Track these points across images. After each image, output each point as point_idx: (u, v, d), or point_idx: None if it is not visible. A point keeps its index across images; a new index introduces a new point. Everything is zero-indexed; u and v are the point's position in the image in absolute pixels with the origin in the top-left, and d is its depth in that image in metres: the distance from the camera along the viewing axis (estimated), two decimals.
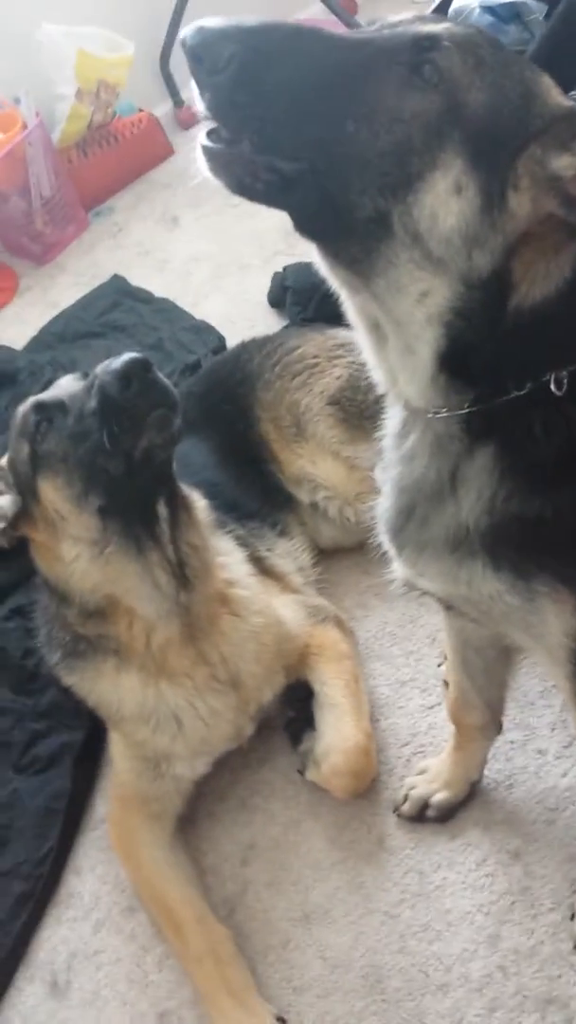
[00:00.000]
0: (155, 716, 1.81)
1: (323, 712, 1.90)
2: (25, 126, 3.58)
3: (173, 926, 1.78)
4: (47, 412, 1.64)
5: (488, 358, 1.05)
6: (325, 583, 2.24)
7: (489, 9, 1.80)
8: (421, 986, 1.62)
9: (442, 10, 1.89)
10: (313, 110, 0.94)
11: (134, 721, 1.83)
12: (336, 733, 1.84)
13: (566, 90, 1.63)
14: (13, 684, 2.30)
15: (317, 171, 0.96)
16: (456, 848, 1.76)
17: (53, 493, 1.64)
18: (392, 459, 1.24)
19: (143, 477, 1.62)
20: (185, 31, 0.93)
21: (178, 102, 4.29)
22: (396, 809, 1.83)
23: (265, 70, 0.92)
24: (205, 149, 0.99)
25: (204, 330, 3.12)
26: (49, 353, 3.28)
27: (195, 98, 0.96)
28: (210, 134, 0.98)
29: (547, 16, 1.76)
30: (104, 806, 2.06)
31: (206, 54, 0.92)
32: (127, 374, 1.53)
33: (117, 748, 1.94)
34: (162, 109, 4.26)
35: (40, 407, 1.66)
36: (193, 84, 0.95)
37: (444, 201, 0.95)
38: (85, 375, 1.71)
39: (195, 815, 1.96)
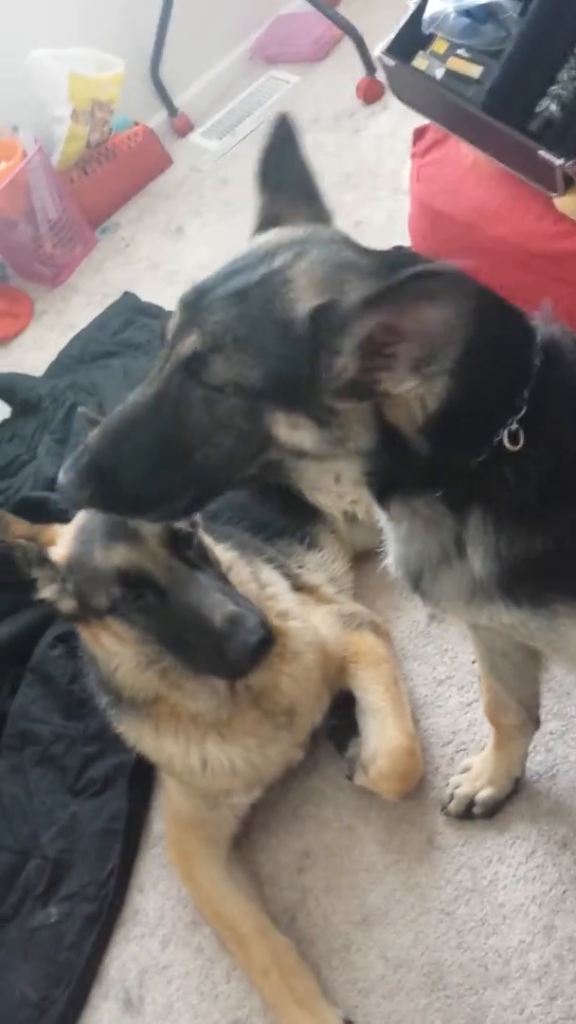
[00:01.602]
0: (208, 770, 1.84)
1: (366, 717, 1.93)
2: (25, 154, 3.63)
3: (237, 941, 1.83)
4: (139, 589, 1.60)
5: (429, 465, 1.10)
6: (356, 587, 2.27)
7: (465, 12, 1.80)
8: (482, 980, 1.66)
9: (417, 16, 1.90)
10: (170, 468, 1.11)
11: (186, 774, 1.87)
12: (380, 737, 1.88)
13: (547, 84, 1.64)
14: (62, 710, 2.36)
15: (207, 490, 1.18)
16: (505, 842, 1.79)
17: (122, 630, 1.65)
18: (391, 539, 1.30)
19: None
20: (58, 487, 1.16)
21: (172, 111, 4.31)
22: (443, 808, 1.86)
23: (118, 481, 1.12)
24: None
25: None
26: (69, 377, 3.32)
27: None
28: None
29: (522, 13, 1.77)
30: (160, 823, 2.12)
31: (76, 504, 1.20)
32: (257, 658, 1.60)
33: (170, 782, 1.99)
34: (157, 119, 4.29)
35: (132, 581, 1.60)
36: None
37: (293, 437, 1.06)
38: (175, 535, 1.63)
39: (249, 828, 2.01)
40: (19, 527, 1.72)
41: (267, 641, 1.60)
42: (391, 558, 1.32)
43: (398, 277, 0.93)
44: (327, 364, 1.02)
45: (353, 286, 1.02)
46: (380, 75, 3.67)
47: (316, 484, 1.16)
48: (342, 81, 3.92)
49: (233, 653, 1.58)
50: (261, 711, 1.85)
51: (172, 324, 1.11)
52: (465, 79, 1.85)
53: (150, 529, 1.61)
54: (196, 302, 1.08)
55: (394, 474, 1.12)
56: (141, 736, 1.87)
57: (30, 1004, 1.97)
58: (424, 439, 1.07)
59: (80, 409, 1.98)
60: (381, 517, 1.28)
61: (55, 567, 1.67)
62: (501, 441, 1.08)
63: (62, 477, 1.14)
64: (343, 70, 3.96)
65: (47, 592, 1.68)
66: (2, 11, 3.68)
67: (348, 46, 3.93)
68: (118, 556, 1.60)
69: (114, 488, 1.12)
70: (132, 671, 1.71)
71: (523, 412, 1.07)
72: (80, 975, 1.98)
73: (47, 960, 2.02)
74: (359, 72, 3.75)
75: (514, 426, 1.07)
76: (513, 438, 1.08)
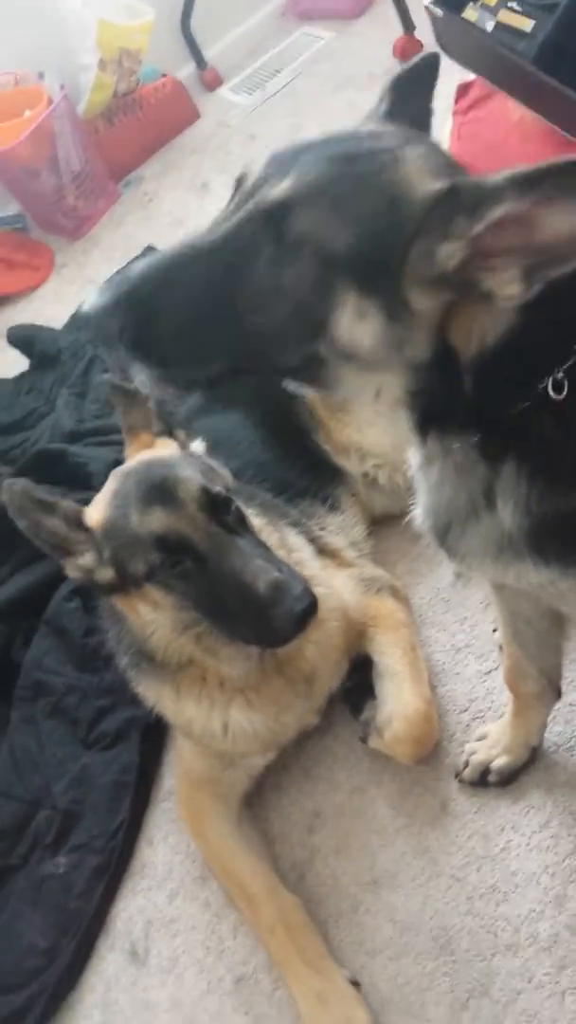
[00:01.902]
0: (229, 734, 1.83)
1: (383, 681, 1.92)
2: (50, 101, 3.58)
3: (245, 898, 1.84)
4: (178, 555, 1.58)
5: (466, 408, 1.06)
6: (376, 552, 2.26)
7: None
8: (490, 946, 1.66)
9: None
10: (212, 326, 1.01)
11: (206, 738, 1.86)
12: (397, 701, 1.87)
13: None
14: (76, 662, 2.36)
15: (242, 365, 1.05)
16: (519, 811, 1.78)
17: (160, 597, 1.62)
18: (421, 486, 1.26)
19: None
20: (81, 312, 1.01)
21: (201, 64, 4.24)
22: (457, 775, 1.85)
23: (155, 323, 1.00)
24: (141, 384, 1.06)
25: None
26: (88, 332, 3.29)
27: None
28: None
29: None
30: (171, 778, 2.12)
31: (100, 337, 1.01)
32: (303, 622, 1.58)
33: (184, 742, 1.98)
34: (185, 72, 4.22)
35: (171, 547, 1.58)
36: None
37: (355, 329, 0.99)
38: (210, 500, 1.61)
39: (261, 787, 2.00)
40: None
41: (313, 608, 1.58)
42: (420, 509, 1.28)
43: (553, 162, 0.87)
44: (431, 249, 0.95)
45: (469, 180, 0.96)
46: (419, 33, 3.60)
47: (354, 395, 1.08)
48: (378, 39, 3.84)
49: (279, 621, 1.56)
50: (285, 678, 1.84)
51: (254, 173, 1.03)
52: (516, 32, 1.80)
53: (188, 494, 1.59)
54: (293, 156, 1.00)
55: (437, 403, 1.07)
56: (161, 698, 1.86)
57: (38, 952, 1.99)
58: (472, 374, 1.03)
59: (106, 376, 1.95)
60: (413, 463, 1.25)
61: (92, 532, 1.65)
62: (546, 389, 1.04)
63: (91, 300, 1.00)
64: (379, 28, 3.88)
65: (86, 559, 1.65)
66: None
67: (384, 4, 3.86)
68: (156, 521, 1.58)
69: (148, 327, 1.00)
70: (167, 636, 1.70)
71: (571, 362, 1.04)
72: (87, 925, 1.99)
73: (56, 909, 2.03)
74: (396, 30, 3.67)
75: (560, 375, 1.03)
76: (558, 388, 1.04)
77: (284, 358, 1.02)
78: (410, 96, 1.16)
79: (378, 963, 1.72)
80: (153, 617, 1.67)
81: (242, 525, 1.67)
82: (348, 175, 0.96)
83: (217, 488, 1.63)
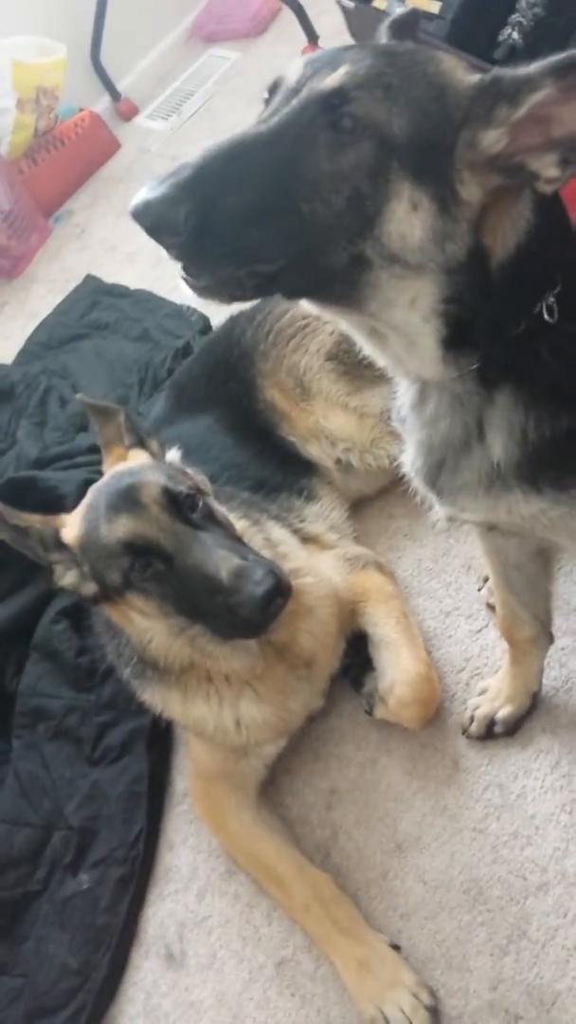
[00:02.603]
0: (242, 729, 1.86)
1: (380, 651, 1.96)
2: None
3: (275, 882, 1.85)
4: (147, 557, 1.60)
5: (486, 319, 1.10)
6: (356, 533, 2.30)
7: None
8: (521, 890, 1.70)
9: None
10: (270, 216, 1.00)
11: (218, 735, 1.88)
12: (396, 667, 1.91)
13: (507, 12, 1.66)
14: (71, 683, 2.35)
15: (294, 261, 1.03)
16: (529, 757, 1.83)
17: (142, 605, 1.65)
18: (415, 424, 1.29)
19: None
20: (133, 206, 0.98)
21: (115, 96, 4.31)
22: (464, 731, 1.90)
23: (217, 211, 0.97)
24: (190, 285, 1.04)
25: (187, 313, 3.16)
26: (39, 363, 3.32)
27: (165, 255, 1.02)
28: (185, 269, 1.03)
29: None
30: (183, 781, 2.13)
31: (162, 225, 0.97)
32: (267, 606, 1.57)
33: (195, 742, 2.00)
34: (101, 105, 4.28)
35: (139, 551, 1.60)
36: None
37: (406, 222, 1.01)
38: (172, 499, 1.63)
39: (273, 774, 2.02)
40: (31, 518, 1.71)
41: (277, 590, 1.57)
42: (410, 450, 1.32)
43: None
44: (477, 135, 1.00)
45: (508, 71, 1.00)
46: (323, 42, 3.70)
47: (389, 304, 1.08)
48: (283, 53, 3.95)
49: (244, 608, 1.56)
50: (286, 665, 1.87)
51: (292, 75, 1.04)
52: (426, 16, 1.87)
53: (150, 496, 1.63)
54: (336, 55, 1.02)
55: (465, 313, 1.09)
56: (169, 702, 1.88)
57: (71, 972, 1.98)
58: (501, 276, 1.08)
59: (78, 396, 1.99)
60: (404, 404, 1.28)
61: (70, 550, 1.67)
62: (540, 313, 1.09)
63: (144, 193, 0.97)
64: (284, 42, 3.99)
65: (68, 579, 1.68)
66: None
67: (285, 20, 3.98)
68: (121, 527, 1.61)
69: (211, 215, 0.96)
70: (164, 642, 1.72)
71: (559, 288, 1.10)
72: (119, 937, 1.99)
73: (84, 926, 2.02)
74: (301, 41, 3.76)
75: (551, 300, 1.09)
76: (550, 312, 1.09)
77: (333, 257, 1.03)
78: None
79: (414, 924, 1.75)
80: (147, 625, 1.70)
81: (211, 521, 1.69)
82: (399, 66, 1.00)
83: (180, 487, 1.66)
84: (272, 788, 2.02)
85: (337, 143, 0.98)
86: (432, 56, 1.04)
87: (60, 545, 1.68)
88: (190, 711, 1.86)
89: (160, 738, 2.21)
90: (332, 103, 0.98)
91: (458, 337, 1.12)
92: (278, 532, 2.00)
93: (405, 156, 0.98)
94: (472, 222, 1.04)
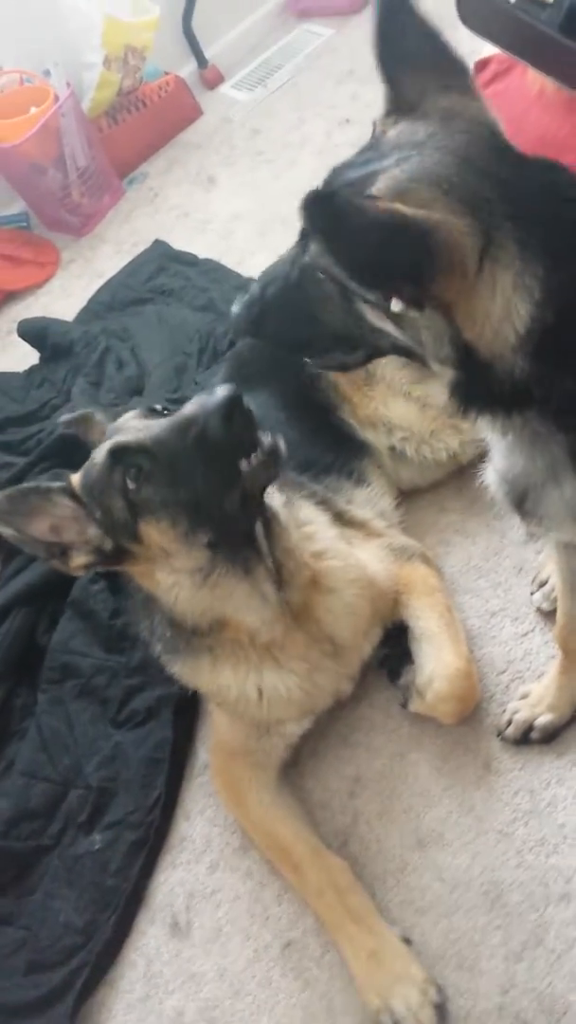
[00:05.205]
0: (264, 700, 1.83)
1: (421, 644, 1.93)
2: (57, 98, 3.59)
3: (290, 864, 1.83)
4: (130, 459, 1.59)
5: (525, 385, 1.09)
6: (405, 524, 2.26)
7: None
8: (542, 898, 1.66)
9: None
10: (306, 324, 1.25)
11: (241, 705, 1.86)
12: (437, 661, 1.87)
13: None
14: (104, 643, 2.35)
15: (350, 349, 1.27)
16: (564, 765, 1.79)
17: (158, 535, 1.61)
18: (496, 451, 1.31)
19: (251, 506, 1.64)
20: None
21: (202, 63, 4.26)
22: (499, 733, 1.86)
23: (269, 323, 1.30)
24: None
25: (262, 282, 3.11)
26: (100, 323, 3.30)
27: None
28: None
29: None
30: (206, 753, 2.11)
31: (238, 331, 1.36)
32: (229, 412, 1.52)
33: (219, 714, 1.98)
34: (187, 70, 4.24)
35: (119, 454, 1.60)
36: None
37: (383, 324, 1.14)
38: (152, 410, 1.71)
39: (299, 755, 2.00)
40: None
41: (234, 400, 1.53)
42: (493, 475, 1.33)
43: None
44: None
45: (425, 202, 1.02)
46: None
47: (436, 374, 1.17)
48: None
49: (209, 429, 1.52)
50: (305, 634, 1.83)
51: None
52: (539, 2, 1.82)
53: (129, 418, 1.70)
54: (328, 183, 1.14)
55: (479, 392, 1.12)
56: (197, 672, 1.86)
57: (76, 930, 1.97)
58: (524, 359, 1.06)
59: (61, 419, 2.00)
60: (486, 429, 1.27)
61: (81, 501, 1.65)
62: None
63: (235, 308, 1.32)
64: None
65: (92, 533, 1.65)
66: None
67: None
68: (106, 446, 1.63)
69: (266, 325, 1.29)
70: (191, 596, 1.69)
71: None
72: (126, 900, 1.98)
73: (92, 886, 2.02)
74: None
75: None
76: None
77: (370, 340, 1.19)
78: (400, 33, 1.20)
79: (428, 920, 1.72)
80: (172, 580, 1.67)
81: None
82: (333, 213, 1.05)
83: (158, 406, 1.74)
84: (296, 771, 2.00)
85: (314, 275, 1.17)
86: (368, 188, 1.07)
87: (74, 496, 1.66)
88: (217, 679, 1.83)
89: (187, 708, 2.19)
90: (303, 247, 1.19)
91: (487, 405, 1.15)
92: (307, 512, 1.96)
93: (353, 286, 1.13)
94: (433, 331, 1.09)
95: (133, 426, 1.67)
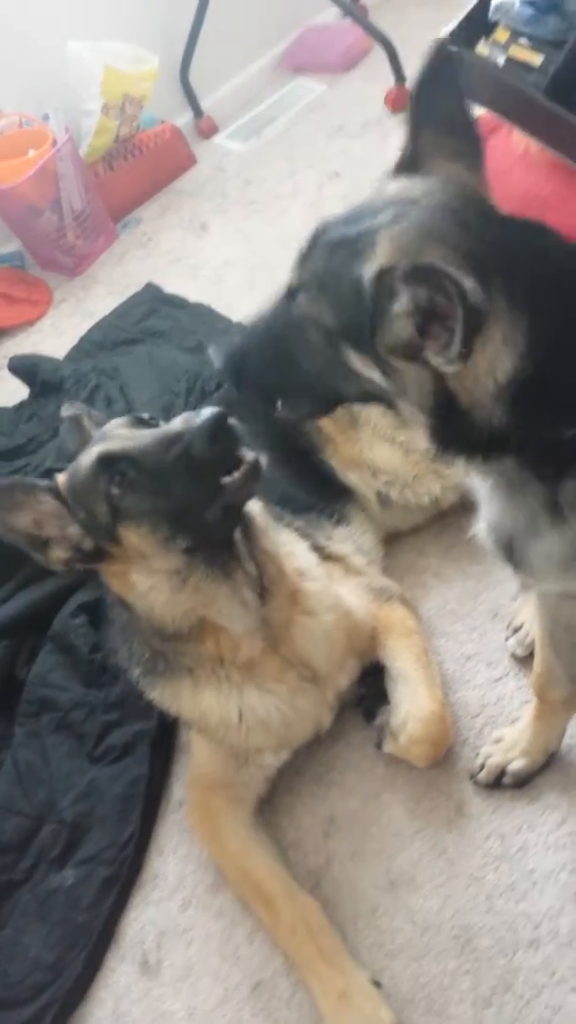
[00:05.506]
0: (243, 723, 1.85)
1: (396, 685, 1.95)
2: (55, 142, 3.67)
3: (262, 901, 1.83)
4: (116, 467, 1.63)
5: (503, 434, 1.13)
6: (384, 566, 2.29)
7: (529, 2, 1.87)
8: (512, 943, 1.67)
9: (479, 7, 1.96)
10: (285, 374, 1.30)
11: (221, 729, 1.87)
12: (411, 703, 1.89)
13: None
14: (82, 677, 2.35)
15: (324, 399, 1.35)
16: (535, 811, 1.81)
17: (138, 539, 1.65)
18: (481, 499, 1.35)
19: (232, 517, 1.69)
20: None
21: (198, 113, 4.36)
22: (472, 777, 1.88)
23: (250, 373, 1.36)
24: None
25: (241, 331, 3.17)
26: (90, 361, 3.34)
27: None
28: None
29: None
30: (182, 789, 2.12)
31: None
32: (214, 433, 1.56)
33: (198, 743, 1.99)
34: (183, 119, 4.34)
35: (106, 462, 1.64)
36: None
37: (368, 373, 1.18)
38: (140, 420, 1.75)
39: (273, 793, 2.01)
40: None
41: (220, 418, 1.56)
42: (483, 524, 1.36)
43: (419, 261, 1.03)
44: (386, 324, 1.10)
45: (429, 255, 1.05)
46: (410, 84, 3.75)
47: (409, 419, 1.21)
48: (369, 91, 4.01)
49: (195, 448, 1.56)
50: (283, 657, 1.84)
51: (301, 250, 1.23)
52: (526, 67, 1.90)
53: (116, 425, 1.74)
54: (316, 238, 1.20)
55: (456, 437, 1.17)
56: (178, 695, 1.87)
57: (45, 967, 1.95)
58: (502, 408, 1.11)
59: (64, 407, 2.03)
60: (472, 476, 1.31)
61: (66, 501, 1.69)
62: None
63: (215, 358, 1.38)
64: (370, 80, 4.04)
65: (73, 531, 1.69)
66: (40, 1, 3.73)
67: (375, 58, 4.04)
68: (94, 452, 1.67)
69: (247, 374, 1.35)
70: (169, 601, 1.70)
71: None
72: (97, 938, 1.97)
73: (63, 923, 2.00)
74: (388, 82, 3.82)
75: None
76: None
77: (348, 390, 1.25)
78: (437, 96, 1.23)
79: (399, 964, 1.73)
80: (150, 583, 1.69)
81: None
82: (330, 267, 1.15)
83: (145, 415, 1.78)
84: (270, 809, 2.00)
85: (300, 325, 1.22)
86: (371, 242, 1.11)
87: (59, 496, 1.70)
88: (198, 701, 1.85)
89: (163, 743, 2.20)
90: (290, 297, 1.23)
91: (467, 450, 1.19)
92: (286, 535, 1.99)
93: (342, 337, 1.17)
94: (419, 382, 1.13)
95: (120, 434, 1.71)
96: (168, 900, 1.99)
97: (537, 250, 1.13)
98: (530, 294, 1.08)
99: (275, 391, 1.37)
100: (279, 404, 1.39)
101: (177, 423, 1.63)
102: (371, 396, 1.22)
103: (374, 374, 1.16)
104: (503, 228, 1.15)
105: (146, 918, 1.98)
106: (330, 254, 1.16)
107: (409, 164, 1.22)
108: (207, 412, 1.58)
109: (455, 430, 1.15)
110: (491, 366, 1.08)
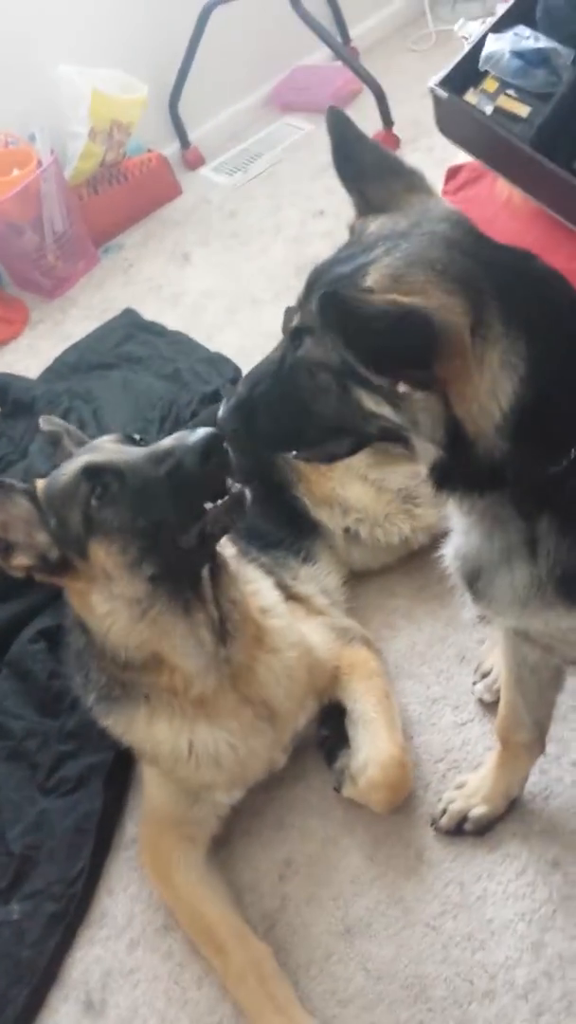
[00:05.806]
0: (193, 757, 1.81)
1: (357, 728, 1.92)
2: (40, 163, 3.67)
3: (213, 945, 1.79)
4: (101, 478, 1.61)
5: (499, 467, 1.14)
6: (352, 605, 2.28)
7: (519, 54, 1.90)
8: (467, 994, 1.64)
9: (470, 55, 1.99)
10: (294, 420, 1.27)
11: (171, 761, 1.84)
12: (371, 747, 1.87)
13: None
14: (38, 706, 2.31)
15: (337, 442, 1.31)
16: (495, 859, 1.78)
17: (105, 557, 1.62)
18: (457, 527, 1.35)
19: (206, 547, 1.67)
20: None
21: (185, 143, 4.39)
22: (433, 823, 1.85)
23: (256, 424, 1.31)
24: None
25: (219, 361, 3.17)
26: (64, 383, 3.31)
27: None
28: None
29: (575, 61, 1.87)
30: (134, 827, 2.07)
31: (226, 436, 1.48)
32: (208, 451, 1.55)
33: (151, 777, 1.95)
34: (170, 149, 4.36)
35: (92, 472, 1.62)
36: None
37: (380, 409, 1.16)
38: (130, 438, 1.74)
39: (230, 834, 1.97)
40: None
41: (215, 438, 1.55)
42: (451, 551, 1.36)
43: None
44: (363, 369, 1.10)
45: (420, 286, 1.07)
46: (396, 129, 3.80)
47: (420, 455, 1.21)
48: None
49: (186, 464, 1.55)
50: (239, 694, 1.82)
51: (299, 294, 1.23)
52: (513, 117, 1.93)
53: (104, 440, 1.75)
54: (312, 282, 1.20)
55: (460, 471, 1.17)
56: (132, 724, 1.83)
57: None
58: (504, 440, 1.11)
59: (42, 418, 2.01)
60: (450, 506, 1.31)
61: (41, 506, 1.67)
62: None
63: (222, 412, 1.33)
64: (358, 123, 4.05)
65: (40, 538, 1.66)
66: (34, 21, 3.75)
67: (363, 102, 4.09)
68: (80, 461, 1.66)
69: (253, 427, 1.30)
70: (125, 628, 1.67)
71: None
72: (41, 975, 1.91)
73: (6, 957, 1.94)
74: (375, 125, 3.86)
75: None
76: None
77: (362, 431, 1.24)
78: (353, 153, 1.31)
79: (350, 1012, 1.68)
80: (108, 607, 1.66)
81: None
82: (330, 304, 1.11)
83: (136, 435, 1.77)
84: (226, 850, 1.96)
85: (308, 368, 1.21)
86: (364, 276, 1.11)
87: (35, 500, 1.67)
88: (151, 731, 1.81)
89: (117, 777, 2.15)
90: (295, 341, 1.22)
91: (464, 483, 1.20)
92: (252, 572, 1.98)
93: (348, 375, 1.15)
94: (430, 411, 1.12)
95: (109, 448, 1.70)
96: (116, 939, 1.94)
97: (531, 275, 1.15)
98: (527, 317, 1.08)
99: (288, 441, 1.35)
100: (297, 451, 1.39)
101: (168, 441, 1.62)
102: (391, 434, 1.20)
103: (385, 410, 1.15)
104: (496, 253, 1.16)
105: (92, 957, 1.93)
106: (327, 296, 1.14)
107: (373, 211, 1.24)
108: (202, 431, 1.57)
109: (460, 464, 1.15)
110: (492, 389, 1.08)
